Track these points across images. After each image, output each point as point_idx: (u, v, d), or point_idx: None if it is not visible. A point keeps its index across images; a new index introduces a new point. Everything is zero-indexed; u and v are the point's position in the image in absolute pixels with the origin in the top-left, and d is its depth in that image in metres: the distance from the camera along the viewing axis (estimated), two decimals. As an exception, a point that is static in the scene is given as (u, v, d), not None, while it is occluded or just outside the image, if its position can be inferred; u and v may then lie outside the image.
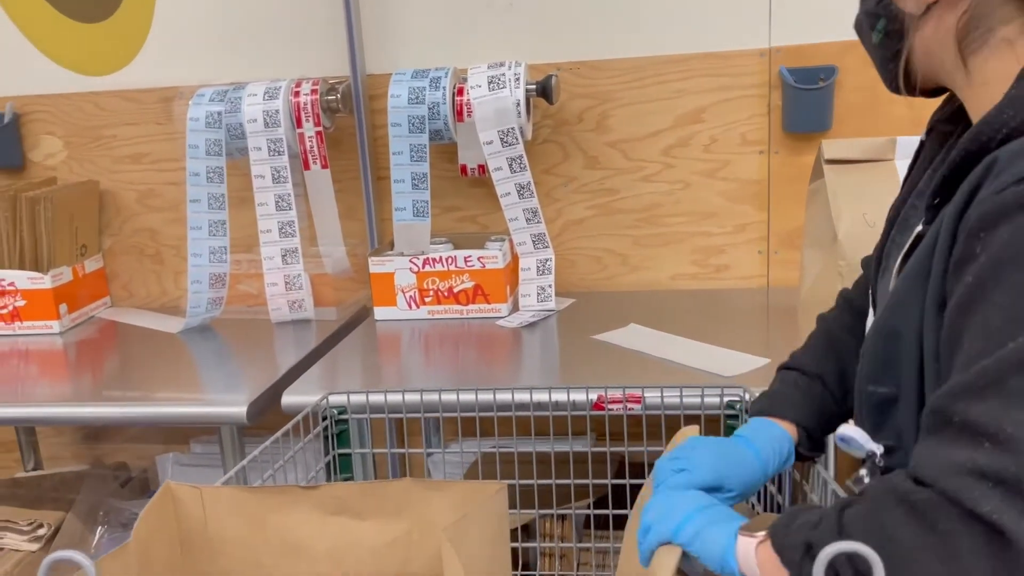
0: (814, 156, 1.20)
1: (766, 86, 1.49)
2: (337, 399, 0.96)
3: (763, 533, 0.58)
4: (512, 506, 1.13)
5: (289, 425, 0.87)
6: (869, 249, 0.99)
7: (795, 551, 0.55)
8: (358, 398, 0.97)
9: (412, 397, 0.99)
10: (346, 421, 0.96)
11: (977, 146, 0.60)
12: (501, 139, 1.42)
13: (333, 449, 0.96)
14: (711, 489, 0.67)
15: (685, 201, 1.56)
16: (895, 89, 0.71)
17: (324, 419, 0.95)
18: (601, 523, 1.11)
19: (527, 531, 1.34)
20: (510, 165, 1.44)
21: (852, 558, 0.47)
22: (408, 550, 0.61)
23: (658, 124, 1.54)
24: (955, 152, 0.62)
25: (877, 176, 1.03)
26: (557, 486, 1.07)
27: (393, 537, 0.60)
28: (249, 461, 0.85)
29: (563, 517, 1.36)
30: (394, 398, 0.98)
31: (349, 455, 0.97)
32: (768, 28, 1.47)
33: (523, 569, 1.30)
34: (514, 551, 1.25)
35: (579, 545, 1.30)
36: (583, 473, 1.07)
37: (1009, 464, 0.50)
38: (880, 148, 1.05)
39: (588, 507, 1.30)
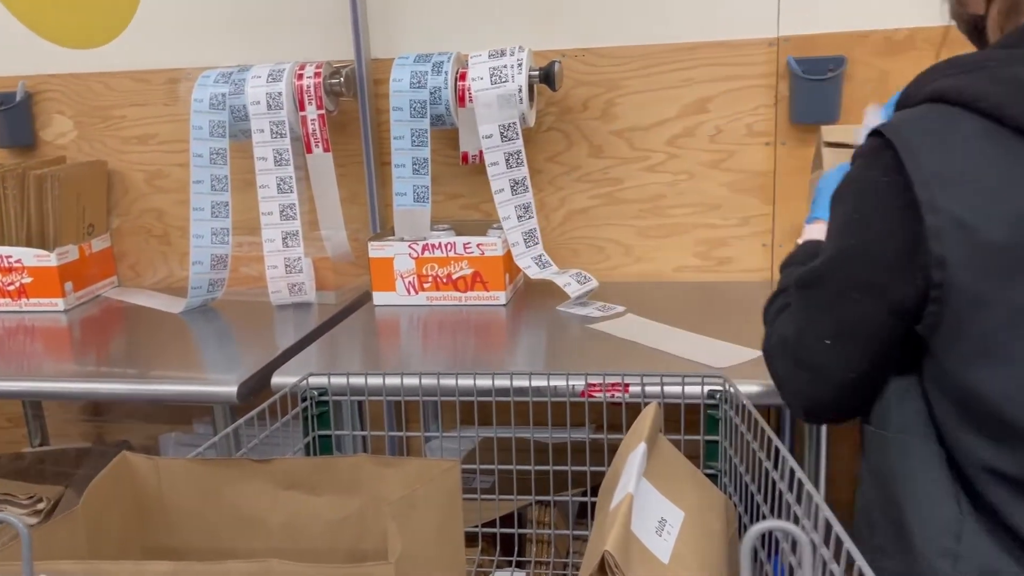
0: (818, 147, 1.18)
1: (773, 76, 1.46)
2: (318, 380, 0.95)
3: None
4: (508, 493, 1.13)
5: (265, 405, 0.87)
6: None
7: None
8: (339, 380, 0.97)
9: (393, 381, 0.99)
10: (327, 403, 0.96)
11: None
12: (501, 133, 1.42)
13: (313, 430, 0.96)
14: None
15: (689, 192, 1.54)
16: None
17: (304, 400, 0.94)
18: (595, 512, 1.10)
19: (522, 518, 1.34)
20: (507, 160, 1.43)
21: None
22: (362, 525, 0.60)
23: (663, 113, 1.52)
24: None
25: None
26: (554, 474, 1.07)
27: (347, 513, 0.60)
28: (223, 440, 0.85)
29: (557, 505, 1.35)
30: (375, 381, 0.98)
31: (330, 437, 0.97)
32: (777, 17, 1.45)
33: (517, 555, 1.29)
34: (508, 537, 1.26)
35: (572, 532, 1.29)
36: (581, 462, 1.06)
37: None
38: (880, 138, 1.02)
39: (583, 495, 1.29)
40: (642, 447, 0.68)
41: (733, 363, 1.12)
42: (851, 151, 1.02)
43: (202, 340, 1.47)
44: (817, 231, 0.92)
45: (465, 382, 1.02)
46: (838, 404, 0.79)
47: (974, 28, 0.80)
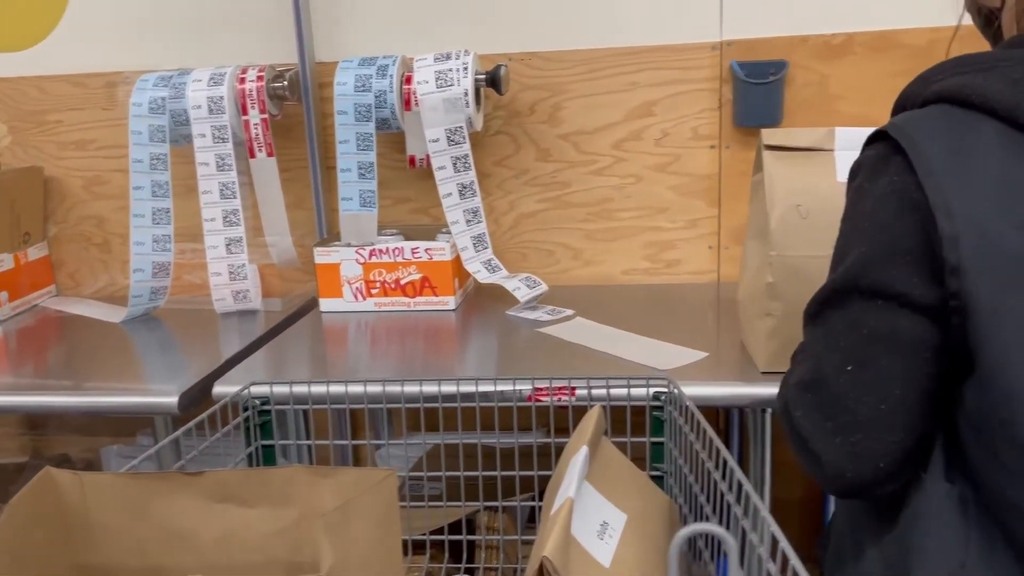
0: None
1: (717, 80, 1.48)
2: (260, 389, 0.94)
3: None
4: (457, 499, 1.12)
5: (204, 416, 0.85)
6: (801, 241, 0.99)
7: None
8: (282, 388, 0.95)
9: (338, 389, 0.97)
10: (269, 412, 0.94)
11: None
12: (448, 137, 1.41)
13: (256, 440, 0.94)
14: None
15: (636, 195, 1.55)
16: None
17: (245, 409, 0.93)
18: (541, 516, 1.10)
19: (471, 524, 1.33)
20: (454, 164, 1.42)
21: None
22: (297, 537, 0.59)
23: (610, 117, 1.53)
24: None
25: (815, 165, 1.02)
26: (502, 479, 1.06)
27: (282, 525, 0.59)
28: (163, 452, 0.83)
29: (507, 510, 1.35)
30: (319, 389, 0.96)
31: (273, 447, 0.95)
32: (719, 21, 1.46)
33: (467, 562, 1.28)
34: (457, 544, 1.25)
35: (522, 538, 1.28)
36: (529, 467, 1.06)
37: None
38: (819, 138, 1.04)
39: (532, 499, 1.29)
40: (584, 451, 0.68)
41: (678, 365, 1.12)
42: (790, 153, 1.04)
43: (143, 350, 1.43)
44: None
45: (411, 389, 1.01)
46: (880, 452, 0.66)
47: (988, 21, 0.76)
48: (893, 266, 0.65)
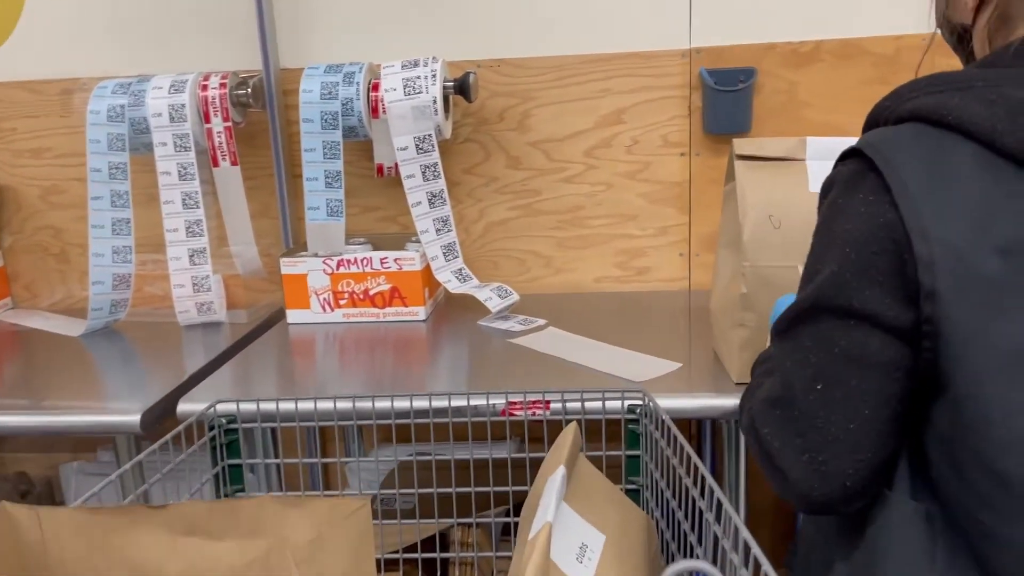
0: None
1: (687, 87, 1.48)
2: (226, 407, 0.91)
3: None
4: (430, 515, 1.10)
5: (168, 437, 0.82)
6: (774, 251, 0.98)
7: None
8: (249, 406, 0.92)
9: (306, 405, 0.95)
10: (236, 430, 0.91)
11: None
12: (417, 145, 1.39)
13: (222, 460, 0.91)
14: None
15: (607, 203, 1.54)
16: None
17: (212, 428, 0.90)
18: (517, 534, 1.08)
19: (445, 540, 1.31)
20: (423, 172, 1.40)
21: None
22: (267, 570, 0.57)
23: (580, 124, 1.52)
24: None
25: (787, 175, 1.02)
26: (476, 494, 1.05)
27: (251, 557, 0.56)
28: (127, 474, 0.80)
29: (481, 525, 1.33)
30: (287, 406, 0.94)
31: (240, 466, 0.92)
32: (688, 29, 1.46)
33: (440, 579, 1.26)
34: (431, 561, 1.23)
35: (496, 554, 1.27)
36: (503, 479, 1.04)
37: None
38: (791, 148, 1.03)
39: (507, 514, 1.27)
40: (561, 471, 0.67)
41: (652, 376, 1.12)
42: (762, 163, 1.03)
43: (104, 365, 1.39)
44: None
45: (383, 404, 0.99)
46: (847, 471, 0.65)
47: (960, 39, 0.75)
48: (866, 286, 0.64)
